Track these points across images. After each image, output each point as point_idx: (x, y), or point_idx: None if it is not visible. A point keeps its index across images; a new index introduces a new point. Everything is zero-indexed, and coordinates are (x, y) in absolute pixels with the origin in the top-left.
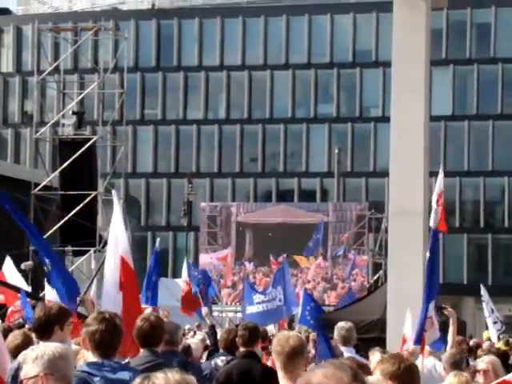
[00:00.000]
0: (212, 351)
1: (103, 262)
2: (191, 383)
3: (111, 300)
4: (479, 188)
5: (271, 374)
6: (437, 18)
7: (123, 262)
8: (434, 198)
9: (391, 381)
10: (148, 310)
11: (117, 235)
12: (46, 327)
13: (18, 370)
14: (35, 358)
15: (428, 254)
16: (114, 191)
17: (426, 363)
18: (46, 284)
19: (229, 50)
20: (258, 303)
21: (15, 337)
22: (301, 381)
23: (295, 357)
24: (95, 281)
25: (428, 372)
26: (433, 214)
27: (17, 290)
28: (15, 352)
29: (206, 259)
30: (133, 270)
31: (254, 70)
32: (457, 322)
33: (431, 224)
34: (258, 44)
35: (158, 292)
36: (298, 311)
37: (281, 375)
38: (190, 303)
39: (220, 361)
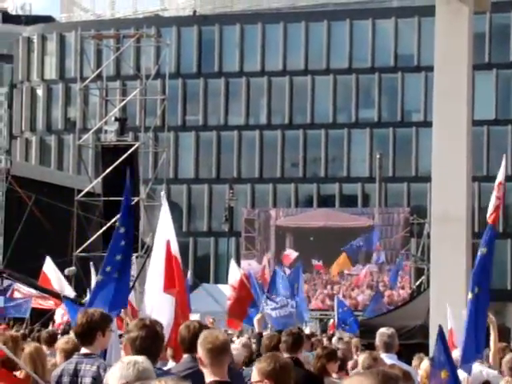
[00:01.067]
0: (256, 357)
1: (142, 268)
2: None
3: (156, 300)
4: None
5: (315, 380)
6: (479, 22)
7: (174, 260)
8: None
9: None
10: (197, 316)
11: (167, 238)
12: (89, 333)
13: (61, 376)
14: (119, 376)
15: (482, 250)
16: (162, 193)
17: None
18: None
19: (270, 56)
20: (272, 309)
21: (66, 340)
22: None
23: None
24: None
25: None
26: (490, 206)
27: (57, 296)
28: (65, 355)
29: (245, 265)
30: (182, 268)
31: (295, 76)
32: (500, 328)
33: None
34: (299, 49)
35: (201, 298)
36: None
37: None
38: (237, 313)
39: None
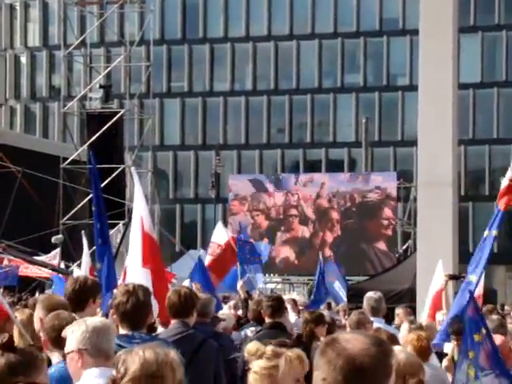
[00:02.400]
0: (244, 322)
1: (124, 235)
2: (173, 357)
3: (136, 274)
4: (509, 155)
5: (299, 344)
6: None
7: (147, 237)
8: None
9: None
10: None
11: (141, 214)
12: (82, 299)
13: None
14: (71, 333)
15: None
16: (133, 168)
17: None
18: (85, 260)
19: (254, 21)
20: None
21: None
22: (330, 336)
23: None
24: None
25: None
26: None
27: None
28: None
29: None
30: (157, 244)
31: (280, 41)
32: (486, 290)
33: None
34: (284, 14)
35: (188, 264)
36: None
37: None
38: (216, 269)
39: (250, 331)
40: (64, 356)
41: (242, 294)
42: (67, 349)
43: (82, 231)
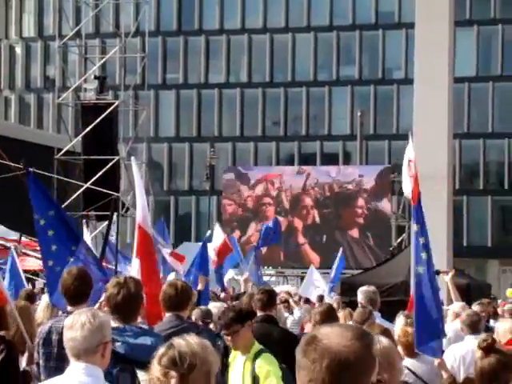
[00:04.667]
0: None
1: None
2: (208, 346)
3: (132, 265)
4: (503, 149)
5: (290, 337)
6: None
7: (140, 229)
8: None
9: None
10: (171, 276)
11: (139, 206)
12: (82, 292)
13: (49, 333)
14: (70, 326)
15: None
16: (132, 158)
17: (452, 327)
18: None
19: (250, 13)
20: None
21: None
22: (309, 334)
23: None
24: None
25: (455, 335)
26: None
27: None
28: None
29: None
30: (150, 237)
31: (276, 33)
32: (481, 285)
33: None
34: (280, 7)
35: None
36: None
37: None
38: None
39: None
40: None
41: (244, 287)
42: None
43: (84, 220)
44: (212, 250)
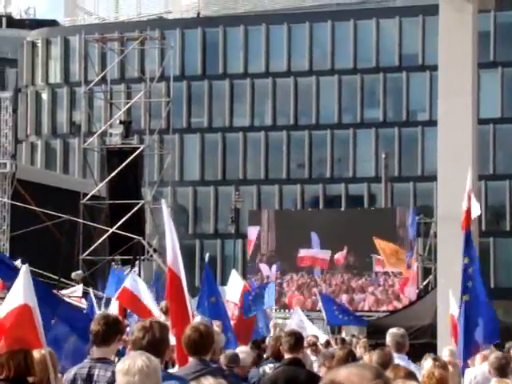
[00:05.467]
0: (264, 359)
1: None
2: None
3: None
4: None
5: (316, 380)
6: (484, 20)
7: (170, 271)
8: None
9: None
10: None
11: (167, 246)
12: (109, 336)
13: (74, 380)
14: (126, 371)
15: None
16: (163, 200)
17: (481, 369)
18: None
19: (274, 57)
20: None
21: None
22: (326, 378)
23: None
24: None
25: (483, 378)
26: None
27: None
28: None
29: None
30: (181, 280)
31: (300, 76)
32: (508, 327)
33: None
34: (304, 50)
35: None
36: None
37: None
38: (242, 333)
39: (268, 368)
40: None
41: (273, 332)
42: None
43: (113, 263)
44: (229, 303)
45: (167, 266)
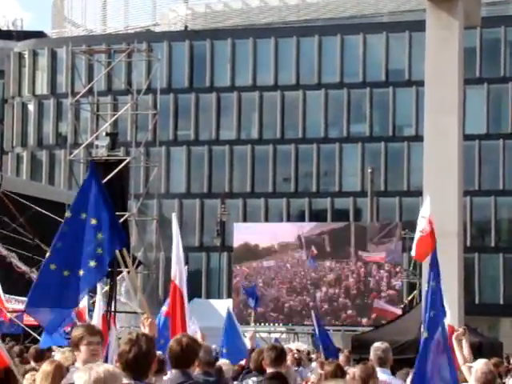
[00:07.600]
0: (246, 372)
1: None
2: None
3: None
4: None
5: None
6: (470, 37)
7: (173, 284)
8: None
9: None
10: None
11: (172, 260)
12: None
13: None
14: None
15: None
16: (173, 214)
17: None
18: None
19: (261, 71)
20: None
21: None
22: None
23: None
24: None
25: None
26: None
27: None
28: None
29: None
30: (182, 295)
31: (287, 90)
32: (493, 343)
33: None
34: (291, 64)
35: (192, 313)
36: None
37: None
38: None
39: (251, 381)
40: None
41: (251, 344)
42: None
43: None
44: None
45: (171, 279)
